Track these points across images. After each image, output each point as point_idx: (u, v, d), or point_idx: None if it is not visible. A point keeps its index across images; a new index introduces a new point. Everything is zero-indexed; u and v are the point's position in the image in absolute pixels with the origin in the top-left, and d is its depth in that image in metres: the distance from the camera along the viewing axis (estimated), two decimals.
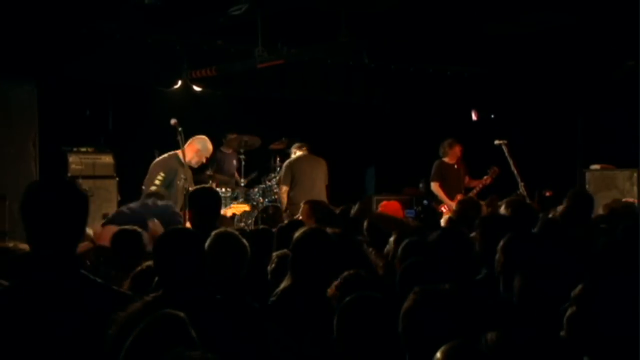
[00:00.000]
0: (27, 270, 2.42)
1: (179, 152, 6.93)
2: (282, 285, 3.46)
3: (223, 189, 8.28)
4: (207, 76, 8.40)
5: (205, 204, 4.51)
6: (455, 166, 8.60)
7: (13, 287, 2.48)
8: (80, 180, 7.63)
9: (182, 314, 2.24)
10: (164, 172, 7.08)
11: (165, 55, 8.35)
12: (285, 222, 4.62)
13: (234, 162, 8.97)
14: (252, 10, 6.91)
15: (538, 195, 8.15)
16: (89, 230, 5.71)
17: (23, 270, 2.54)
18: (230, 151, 9.03)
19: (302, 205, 5.98)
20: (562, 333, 2.48)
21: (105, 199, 7.60)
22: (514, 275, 3.15)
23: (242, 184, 8.69)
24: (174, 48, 8.35)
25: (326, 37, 7.53)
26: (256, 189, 8.67)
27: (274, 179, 8.57)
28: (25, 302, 2.30)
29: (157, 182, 7.00)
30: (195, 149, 7.37)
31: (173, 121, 6.83)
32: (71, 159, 7.95)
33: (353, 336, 2.55)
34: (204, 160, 7.60)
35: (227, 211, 7.79)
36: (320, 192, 7.80)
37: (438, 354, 2.12)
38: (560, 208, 5.37)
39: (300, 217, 5.73)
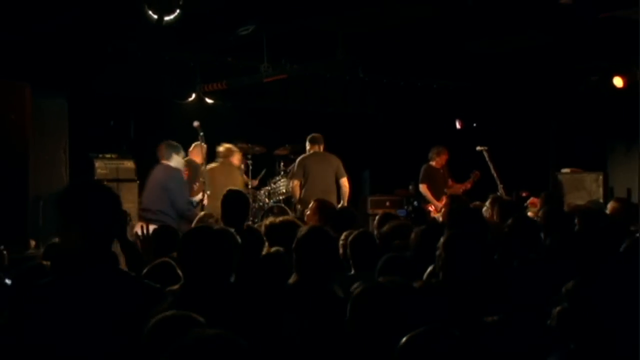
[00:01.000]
0: (68, 265, 2.32)
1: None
2: (290, 280, 3.34)
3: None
4: (218, 89, 8.41)
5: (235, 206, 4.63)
6: (441, 170, 8.56)
7: (53, 281, 2.36)
8: (106, 184, 7.79)
9: (201, 318, 2.12)
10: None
11: (181, 71, 8.36)
12: (276, 220, 4.41)
13: (242, 166, 8.76)
14: (258, 31, 7.00)
15: (515, 196, 8.09)
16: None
17: (64, 265, 2.40)
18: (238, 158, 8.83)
19: (312, 202, 5.82)
20: (550, 322, 2.47)
21: (127, 200, 7.52)
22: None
23: (250, 186, 8.60)
24: (189, 64, 8.35)
25: (325, 54, 7.65)
26: (262, 191, 8.62)
27: (279, 182, 8.48)
28: (63, 295, 2.23)
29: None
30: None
31: (196, 123, 6.91)
32: (97, 164, 7.84)
33: (364, 320, 2.41)
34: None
35: None
36: (329, 189, 7.54)
37: (403, 339, 2.01)
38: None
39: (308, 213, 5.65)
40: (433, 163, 8.58)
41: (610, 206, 5.60)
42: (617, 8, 5.79)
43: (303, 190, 7.61)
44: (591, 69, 8.65)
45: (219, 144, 7.87)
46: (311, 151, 7.85)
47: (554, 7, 5.91)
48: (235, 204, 4.69)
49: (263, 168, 8.95)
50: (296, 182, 7.69)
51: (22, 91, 6.26)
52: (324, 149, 7.90)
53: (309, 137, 7.92)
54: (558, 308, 2.45)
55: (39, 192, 6.90)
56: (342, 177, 7.70)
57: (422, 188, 8.56)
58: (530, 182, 8.81)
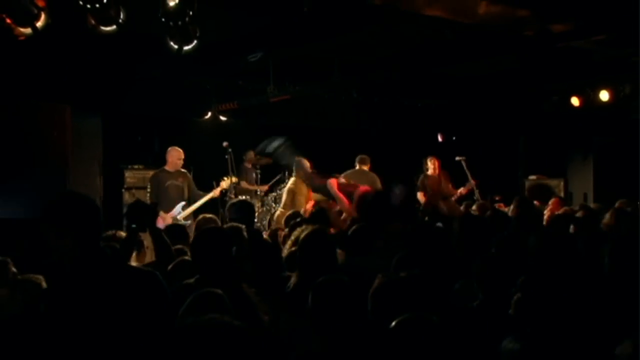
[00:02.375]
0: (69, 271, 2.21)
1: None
2: (292, 280, 3.17)
3: (243, 197, 8.27)
4: (230, 108, 8.52)
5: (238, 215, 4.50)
6: (437, 178, 8.14)
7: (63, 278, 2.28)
8: (134, 191, 7.75)
9: (219, 291, 2.20)
10: None
11: (198, 93, 8.36)
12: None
13: (253, 175, 8.99)
14: (265, 58, 7.08)
15: (490, 199, 8.03)
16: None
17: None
18: (250, 166, 9.03)
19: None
20: (510, 312, 2.47)
21: None
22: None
23: (258, 193, 8.67)
24: (205, 87, 8.38)
25: (323, 77, 7.72)
26: (270, 197, 8.67)
27: (284, 188, 8.52)
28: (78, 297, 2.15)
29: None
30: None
31: (225, 143, 6.96)
32: (127, 174, 8.01)
33: (324, 310, 2.44)
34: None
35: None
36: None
37: (393, 323, 2.05)
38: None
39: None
40: (429, 172, 8.27)
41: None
42: (572, 39, 5.90)
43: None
44: (552, 91, 8.71)
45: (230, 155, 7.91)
46: (357, 168, 7.62)
47: (520, 38, 5.98)
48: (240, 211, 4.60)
49: (269, 177, 8.96)
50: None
51: (63, 112, 6.32)
52: (370, 169, 7.72)
53: (358, 158, 7.62)
54: (515, 298, 2.48)
55: None
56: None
57: (419, 196, 8.23)
58: (502, 187, 8.85)
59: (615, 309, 2.61)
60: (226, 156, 6.92)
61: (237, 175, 8.46)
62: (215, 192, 6.98)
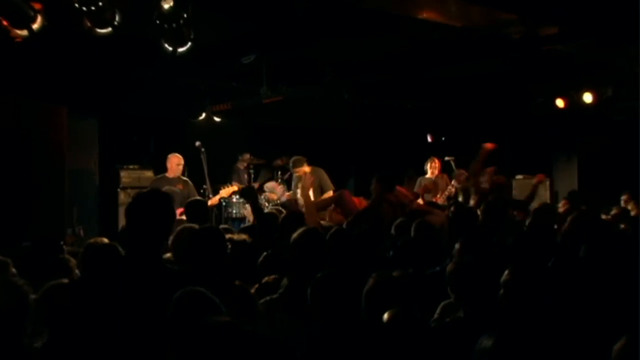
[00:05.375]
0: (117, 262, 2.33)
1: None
2: (285, 280, 3.12)
3: (237, 196, 8.08)
4: (224, 109, 8.50)
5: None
6: (435, 180, 7.83)
7: (109, 276, 2.37)
8: (129, 190, 7.65)
9: (202, 289, 2.12)
10: None
11: (193, 94, 8.33)
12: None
13: (245, 175, 8.92)
14: (258, 60, 7.01)
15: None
16: None
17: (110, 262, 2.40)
18: (243, 167, 8.97)
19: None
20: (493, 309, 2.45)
21: None
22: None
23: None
24: (199, 88, 8.32)
25: (315, 79, 7.67)
26: (262, 196, 8.36)
27: (274, 189, 8.34)
28: (113, 288, 2.22)
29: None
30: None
31: (198, 143, 6.88)
32: (122, 174, 7.88)
33: (325, 305, 2.44)
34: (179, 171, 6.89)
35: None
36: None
37: (385, 315, 2.17)
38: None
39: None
40: (427, 175, 8.05)
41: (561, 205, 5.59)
42: (557, 43, 5.92)
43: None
44: (538, 93, 8.72)
45: (224, 156, 7.92)
46: (311, 168, 7.26)
47: (507, 41, 5.97)
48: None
49: (264, 177, 8.94)
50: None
51: (60, 113, 6.31)
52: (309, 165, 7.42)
53: (304, 160, 7.34)
54: (500, 293, 2.47)
55: (73, 198, 6.89)
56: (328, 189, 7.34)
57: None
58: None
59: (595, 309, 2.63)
60: (200, 156, 6.81)
61: (228, 175, 8.49)
62: (214, 200, 6.86)
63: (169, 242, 3.52)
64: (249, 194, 4.29)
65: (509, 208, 5.25)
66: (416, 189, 7.87)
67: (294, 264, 3.14)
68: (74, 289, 2.37)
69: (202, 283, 2.35)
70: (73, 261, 3.16)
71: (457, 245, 3.31)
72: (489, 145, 6.31)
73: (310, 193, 6.70)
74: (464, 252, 3.22)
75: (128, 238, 2.35)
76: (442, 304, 2.97)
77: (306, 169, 7.08)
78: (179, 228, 3.63)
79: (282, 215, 4.56)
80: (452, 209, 4.73)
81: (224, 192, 7.10)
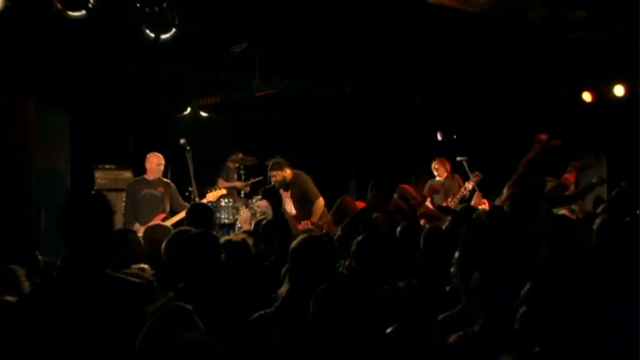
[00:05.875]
0: (57, 271, 2.34)
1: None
2: (281, 292, 3.14)
3: (226, 199, 8.35)
4: (212, 104, 8.49)
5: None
6: (444, 182, 7.86)
7: (41, 287, 2.47)
8: (105, 193, 7.52)
9: (189, 307, 2.18)
10: None
11: (177, 87, 8.34)
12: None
13: (235, 175, 8.98)
14: (250, 48, 7.00)
15: (491, 202, 8.13)
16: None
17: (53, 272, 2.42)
18: (234, 166, 9.03)
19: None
20: (516, 326, 2.39)
21: None
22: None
23: (242, 195, 8.68)
24: (184, 80, 8.35)
25: (313, 70, 7.64)
26: (254, 199, 8.61)
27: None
28: (52, 300, 2.26)
29: None
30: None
31: (182, 141, 6.88)
32: (97, 174, 7.95)
33: (327, 318, 2.46)
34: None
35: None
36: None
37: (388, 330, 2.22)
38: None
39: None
40: (437, 177, 8.04)
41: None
42: (584, 29, 5.86)
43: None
44: (562, 85, 8.67)
45: (212, 155, 7.92)
46: (293, 172, 7.20)
47: (527, 28, 5.95)
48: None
49: (256, 177, 8.93)
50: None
51: (26, 106, 6.29)
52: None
53: (283, 164, 7.20)
54: (521, 311, 2.41)
55: (42, 201, 6.89)
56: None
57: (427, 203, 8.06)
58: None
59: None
60: (186, 155, 6.82)
61: (216, 174, 8.58)
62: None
63: (162, 246, 3.64)
64: (271, 194, 4.19)
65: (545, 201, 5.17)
66: (425, 192, 7.77)
67: (292, 275, 3.13)
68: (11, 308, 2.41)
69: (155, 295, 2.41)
70: (22, 271, 3.17)
71: (456, 254, 3.31)
72: (543, 137, 6.25)
73: (290, 206, 6.97)
74: (465, 261, 3.22)
75: (66, 249, 2.37)
76: (442, 316, 3.01)
77: (286, 173, 7.01)
78: (175, 231, 3.74)
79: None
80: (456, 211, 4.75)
81: (211, 195, 7.11)
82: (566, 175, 6.47)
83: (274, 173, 7.00)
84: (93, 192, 7.81)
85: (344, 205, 5.49)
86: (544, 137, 6.19)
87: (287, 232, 3.73)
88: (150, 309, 2.36)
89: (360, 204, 6.05)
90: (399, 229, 4.46)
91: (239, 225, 7.94)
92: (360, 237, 3.68)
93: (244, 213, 7.98)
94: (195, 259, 2.96)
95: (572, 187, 6.54)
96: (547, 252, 3.50)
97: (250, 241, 3.59)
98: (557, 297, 2.36)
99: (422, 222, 5.92)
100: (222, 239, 3.47)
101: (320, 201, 6.92)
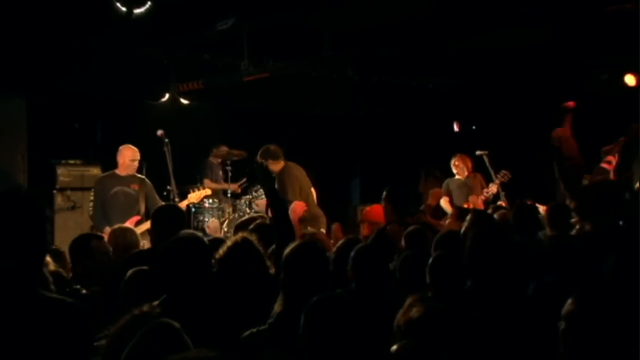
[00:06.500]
0: None
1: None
2: (276, 308, 3.18)
3: (210, 200, 8.27)
4: (194, 89, 8.44)
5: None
6: (466, 180, 8.06)
7: None
8: (69, 192, 7.69)
9: (177, 324, 2.18)
10: None
11: (153, 69, 8.33)
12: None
13: (221, 172, 8.94)
14: (238, 26, 6.98)
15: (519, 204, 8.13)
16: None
17: None
18: (217, 162, 9.01)
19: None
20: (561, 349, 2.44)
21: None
22: None
23: (228, 194, 8.66)
24: (162, 62, 8.35)
25: (311, 51, 7.64)
26: (243, 200, 8.60)
27: (261, 190, 8.43)
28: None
29: None
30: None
31: (160, 132, 6.88)
32: (59, 171, 7.84)
33: (318, 333, 2.53)
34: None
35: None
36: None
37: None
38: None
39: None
40: (456, 176, 8.20)
41: None
42: (626, 0, 5.82)
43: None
44: (600, 67, 8.64)
45: (194, 148, 7.89)
46: (284, 165, 7.27)
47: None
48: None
49: (244, 175, 8.95)
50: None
51: None
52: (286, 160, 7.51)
53: (272, 153, 7.28)
54: (561, 328, 2.45)
55: None
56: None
57: (443, 201, 8.13)
58: (536, 190, 8.60)
59: None
60: (164, 148, 6.83)
61: (199, 172, 8.63)
62: (181, 206, 6.80)
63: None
64: (270, 189, 4.21)
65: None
66: (443, 193, 8.08)
67: (286, 287, 3.17)
68: None
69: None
70: None
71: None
72: (570, 104, 6.35)
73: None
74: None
75: None
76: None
77: (278, 166, 7.14)
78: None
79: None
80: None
81: (194, 196, 7.12)
82: (603, 165, 6.80)
83: (266, 162, 7.15)
84: (55, 190, 7.78)
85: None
86: (571, 104, 6.38)
87: (289, 238, 3.74)
88: (113, 330, 2.33)
89: (377, 208, 6.49)
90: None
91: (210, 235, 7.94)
92: (358, 246, 3.77)
93: (213, 223, 8.08)
94: (181, 266, 3.01)
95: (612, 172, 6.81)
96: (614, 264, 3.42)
97: (255, 241, 3.54)
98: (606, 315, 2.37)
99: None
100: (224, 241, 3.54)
101: (312, 192, 7.22)
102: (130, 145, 6.79)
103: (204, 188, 7.71)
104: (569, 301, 2.46)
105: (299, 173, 7.24)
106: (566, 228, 4.59)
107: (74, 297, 3.13)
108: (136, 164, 6.75)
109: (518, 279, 3.33)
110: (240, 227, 4.96)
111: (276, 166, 7.12)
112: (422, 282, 3.64)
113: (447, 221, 7.35)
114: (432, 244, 4.18)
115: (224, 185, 8.77)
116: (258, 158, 7.19)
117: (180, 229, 4.24)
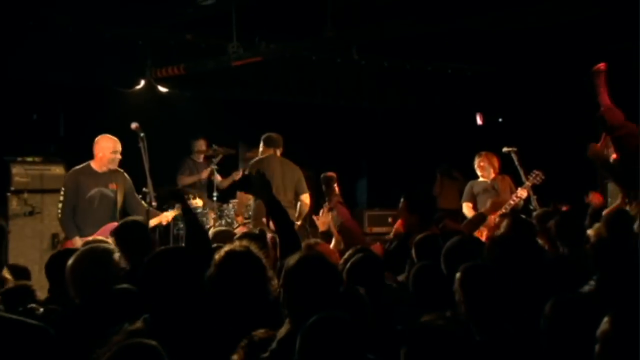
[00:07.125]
0: None
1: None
2: (281, 331, 3.20)
3: (193, 205, 8.27)
4: (174, 75, 8.41)
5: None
6: (492, 183, 8.15)
7: None
8: (26, 195, 7.63)
9: (154, 343, 2.32)
10: None
11: (126, 52, 8.35)
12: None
13: (205, 172, 9.00)
14: (225, 1, 6.94)
15: (552, 209, 8.07)
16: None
17: None
18: (201, 160, 9.13)
19: None
20: None
21: (55, 217, 7.40)
22: None
23: (215, 197, 8.66)
24: (136, 43, 8.37)
25: (310, 31, 7.49)
26: (230, 205, 8.68)
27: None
28: None
29: None
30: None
31: (134, 125, 6.75)
32: (15, 170, 7.77)
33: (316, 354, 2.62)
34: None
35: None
36: (290, 205, 7.34)
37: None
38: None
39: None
40: (480, 178, 8.29)
41: None
42: None
43: (256, 204, 7.47)
44: None
45: (174, 143, 8.04)
46: (266, 155, 7.64)
47: None
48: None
49: (231, 174, 9.04)
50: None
51: None
52: (282, 155, 7.77)
53: (264, 137, 7.72)
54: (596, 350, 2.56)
55: None
56: (303, 192, 7.59)
57: (465, 207, 8.25)
58: (572, 191, 8.52)
59: None
60: (139, 144, 6.75)
61: (177, 172, 8.81)
62: (167, 217, 7.02)
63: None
64: (269, 195, 4.40)
65: None
66: (465, 198, 8.19)
67: (290, 308, 3.19)
68: None
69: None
70: None
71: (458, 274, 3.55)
72: (601, 66, 6.62)
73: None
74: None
75: None
76: None
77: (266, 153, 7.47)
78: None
79: None
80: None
81: (163, 217, 7.03)
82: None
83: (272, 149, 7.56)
84: (9, 193, 7.71)
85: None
86: (602, 66, 6.61)
87: (294, 249, 3.85)
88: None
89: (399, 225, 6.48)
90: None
91: None
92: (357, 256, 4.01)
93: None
94: (166, 282, 3.10)
95: None
96: None
97: (256, 250, 3.58)
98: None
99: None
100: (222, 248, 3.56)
101: (306, 197, 7.56)
102: (109, 135, 6.75)
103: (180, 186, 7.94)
104: (605, 320, 2.57)
105: (278, 168, 7.46)
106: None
107: (27, 316, 3.26)
108: (118, 156, 6.73)
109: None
110: (217, 238, 5.14)
111: (263, 153, 7.50)
112: (439, 298, 3.77)
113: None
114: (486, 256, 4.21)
115: (200, 176, 8.93)
116: (251, 169, 7.18)
117: (146, 247, 4.54)
